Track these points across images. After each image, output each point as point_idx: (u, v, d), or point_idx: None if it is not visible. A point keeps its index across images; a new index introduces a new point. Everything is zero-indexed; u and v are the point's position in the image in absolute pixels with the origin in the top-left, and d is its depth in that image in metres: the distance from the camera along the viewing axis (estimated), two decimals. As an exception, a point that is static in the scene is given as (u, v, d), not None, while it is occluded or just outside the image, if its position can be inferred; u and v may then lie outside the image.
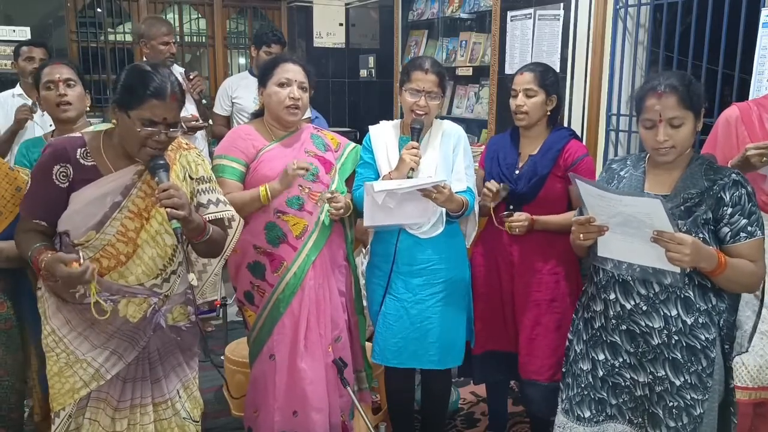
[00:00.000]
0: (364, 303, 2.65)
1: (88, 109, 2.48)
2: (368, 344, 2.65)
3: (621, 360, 1.96)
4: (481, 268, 2.62)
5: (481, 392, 3.16)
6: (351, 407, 2.53)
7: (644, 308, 1.88)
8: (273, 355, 2.34)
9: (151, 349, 1.97)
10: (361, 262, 2.82)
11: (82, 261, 1.75)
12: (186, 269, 2.00)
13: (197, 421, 2.09)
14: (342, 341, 2.44)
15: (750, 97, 2.60)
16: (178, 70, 3.77)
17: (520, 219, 2.42)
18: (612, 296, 1.93)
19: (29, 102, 3.55)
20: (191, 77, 3.73)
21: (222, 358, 3.06)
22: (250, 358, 2.45)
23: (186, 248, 1.97)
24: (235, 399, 2.72)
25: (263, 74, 2.37)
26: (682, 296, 1.85)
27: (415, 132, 2.38)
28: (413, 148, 2.33)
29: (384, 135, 2.51)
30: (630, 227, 1.75)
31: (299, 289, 2.32)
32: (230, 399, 2.89)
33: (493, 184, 2.45)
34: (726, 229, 1.83)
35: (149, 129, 1.78)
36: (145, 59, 3.69)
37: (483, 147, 3.09)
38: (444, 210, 2.40)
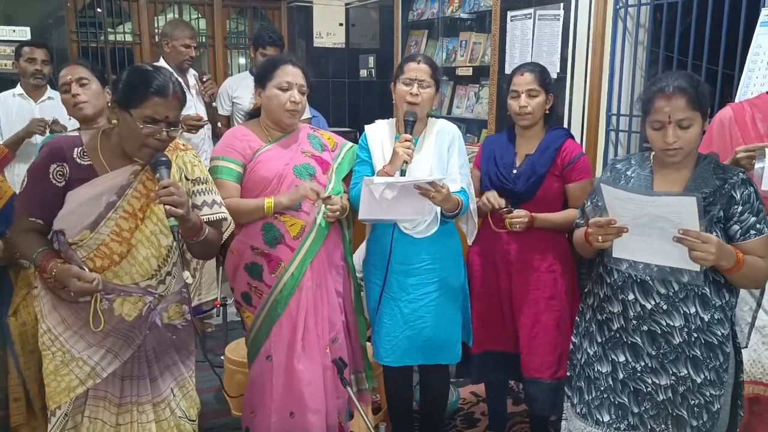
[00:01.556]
0: (364, 303, 2.65)
1: (109, 104, 2.47)
2: (369, 344, 2.65)
3: (642, 364, 1.94)
4: (478, 268, 2.62)
5: (481, 392, 3.16)
6: (348, 408, 2.53)
7: (665, 307, 1.88)
8: (270, 356, 2.34)
9: (147, 347, 1.97)
10: (359, 259, 2.82)
11: (95, 279, 1.79)
12: (181, 268, 2.00)
13: (193, 420, 2.09)
14: (339, 342, 2.44)
15: (737, 94, 2.60)
16: (191, 72, 3.81)
17: (520, 215, 2.43)
18: (631, 297, 1.92)
19: (32, 102, 3.57)
20: (204, 80, 3.77)
21: (222, 358, 3.06)
22: (248, 359, 2.45)
23: (182, 247, 1.97)
24: (233, 398, 2.72)
25: (262, 75, 2.36)
26: (700, 293, 1.87)
27: (408, 124, 2.38)
28: (406, 140, 2.33)
29: (379, 133, 2.52)
30: (652, 228, 1.75)
31: (297, 290, 2.32)
32: (229, 399, 2.89)
33: (495, 199, 2.45)
34: (736, 227, 1.85)
35: (151, 127, 1.78)
36: (163, 58, 3.71)
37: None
38: (439, 210, 2.40)
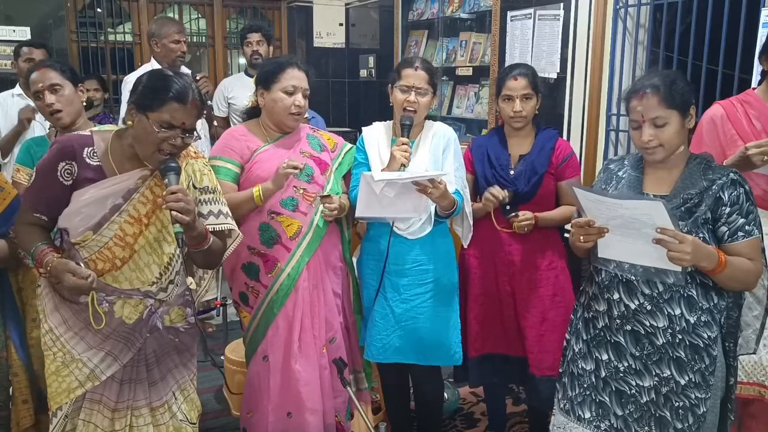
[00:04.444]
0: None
1: (84, 103, 2.43)
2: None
3: (626, 365, 1.94)
4: (477, 270, 2.62)
5: (481, 392, 3.16)
6: (347, 407, 2.53)
7: (649, 308, 1.88)
8: (267, 357, 2.34)
9: (148, 351, 1.97)
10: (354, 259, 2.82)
11: (90, 276, 1.77)
12: (185, 274, 2.00)
13: (194, 424, 2.08)
14: (337, 342, 2.44)
15: None
16: (184, 71, 3.79)
17: (527, 218, 2.45)
18: (616, 296, 1.92)
19: (30, 102, 3.56)
20: (198, 78, 3.75)
21: (222, 358, 3.06)
22: (246, 359, 2.45)
23: (185, 255, 1.96)
24: (234, 395, 2.72)
25: (267, 77, 2.34)
26: (686, 295, 1.86)
27: (405, 128, 2.39)
28: (403, 144, 2.34)
29: (376, 135, 2.53)
30: (630, 228, 1.75)
31: (293, 291, 2.32)
32: (230, 398, 2.89)
33: (498, 191, 2.45)
34: (724, 228, 1.84)
35: (167, 132, 1.78)
36: (154, 58, 3.70)
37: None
38: (433, 210, 2.40)
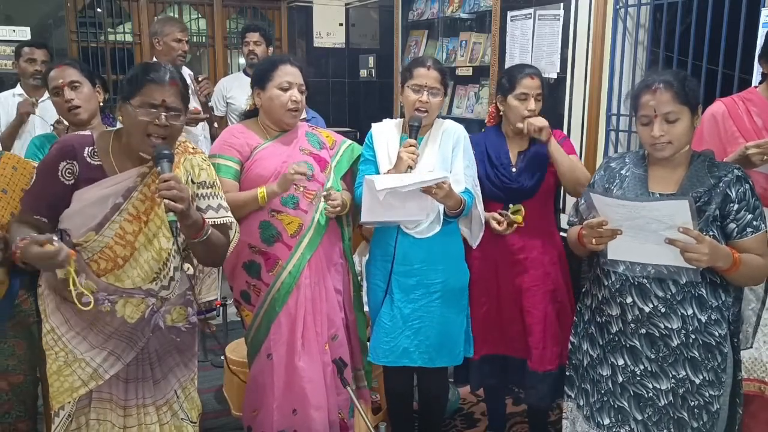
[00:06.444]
0: (364, 300, 2.65)
1: (101, 103, 2.46)
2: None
3: (642, 368, 1.93)
4: (478, 272, 2.62)
5: (481, 392, 3.16)
6: (350, 406, 2.53)
7: (663, 310, 1.88)
8: (270, 355, 2.34)
9: (150, 350, 1.97)
10: (359, 260, 2.82)
11: (55, 242, 1.65)
12: (181, 269, 1.99)
13: (194, 422, 2.09)
14: (339, 339, 2.44)
15: None
16: (186, 72, 3.80)
17: (517, 209, 2.49)
18: (629, 300, 1.92)
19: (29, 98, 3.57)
20: (200, 79, 3.77)
21: (222, 358, 3.06)
22: (249, 358, 2.45)
23: (183, 248, 1.95)
24: (234, 398, 2.72)
25: (261, 76, 2.35)
26: (696, 294, 1.87)
27: (413, 129, 2.39)
28: (411, 146, 2.33)
29: (386, 133, 2.52)
30: (646, 230, 1.74)
31: (295, 288, 2.32)
32: (230, 398, 2.89)
33: (495, 218, 2.47)
34: (732, 225, 1.84)
35: (147, 110, 1.78)
36: (155, 58, 3.70)
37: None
38: (441, 210, 2.40)
